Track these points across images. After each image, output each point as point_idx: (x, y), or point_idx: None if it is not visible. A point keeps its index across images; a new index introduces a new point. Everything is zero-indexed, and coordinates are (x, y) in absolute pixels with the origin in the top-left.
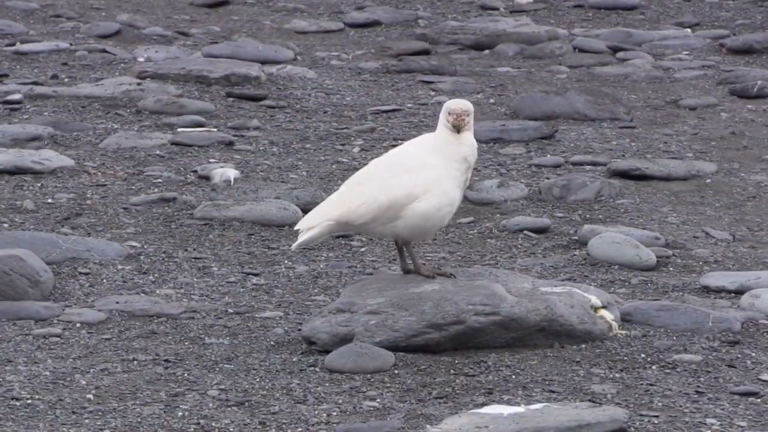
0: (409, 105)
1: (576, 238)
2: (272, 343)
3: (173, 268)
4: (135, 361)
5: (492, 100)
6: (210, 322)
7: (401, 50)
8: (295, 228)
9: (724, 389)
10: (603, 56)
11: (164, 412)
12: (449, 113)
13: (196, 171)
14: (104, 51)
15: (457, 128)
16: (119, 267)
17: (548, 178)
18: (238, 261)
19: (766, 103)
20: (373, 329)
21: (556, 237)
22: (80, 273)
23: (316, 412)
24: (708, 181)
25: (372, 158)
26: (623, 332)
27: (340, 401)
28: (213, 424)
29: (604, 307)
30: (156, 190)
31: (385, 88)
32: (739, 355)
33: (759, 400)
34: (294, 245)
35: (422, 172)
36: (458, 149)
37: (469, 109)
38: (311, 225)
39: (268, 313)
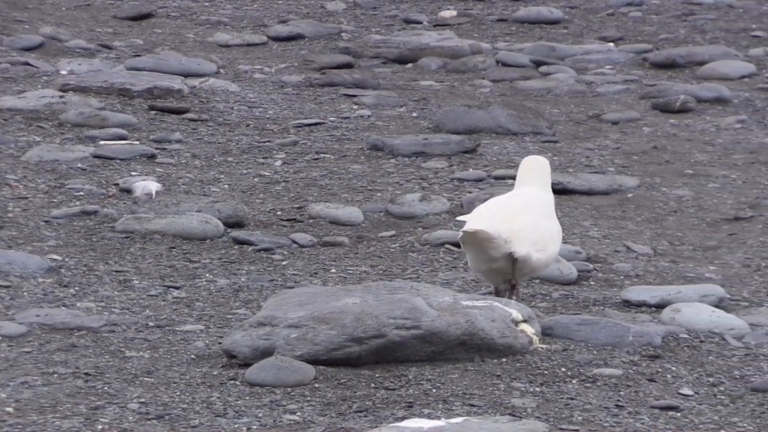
0: (332, 118)
1: None
2: (193, 356)
3: (94, 281)
4: (55, 374)
5: (415, 114)
6: (130, 336)
7: (324, 64)
8: (461, 219)
9: (644, 403)
10: (526, 70)
11: (84, 425)
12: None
13: (117, 184)
14: (27, 64)
15: None
16: (40, 280)
17: (470, 192)
18: (159, 274)
19: (689, 117)
20: (293, 343)
21: None
22: (1, 286)
23: (236, 425)
24: (629, 195)
25: (292, 171)
26: (544, 346)
27: (260, 415)
28: None
29: (524, 321)
30: (77, 203)
31: (307, 101)
32: (660, 369)
33: (679, 414)
34: (468, 227)
35: (556, 224)
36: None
37: None
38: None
39: (188, 327)
